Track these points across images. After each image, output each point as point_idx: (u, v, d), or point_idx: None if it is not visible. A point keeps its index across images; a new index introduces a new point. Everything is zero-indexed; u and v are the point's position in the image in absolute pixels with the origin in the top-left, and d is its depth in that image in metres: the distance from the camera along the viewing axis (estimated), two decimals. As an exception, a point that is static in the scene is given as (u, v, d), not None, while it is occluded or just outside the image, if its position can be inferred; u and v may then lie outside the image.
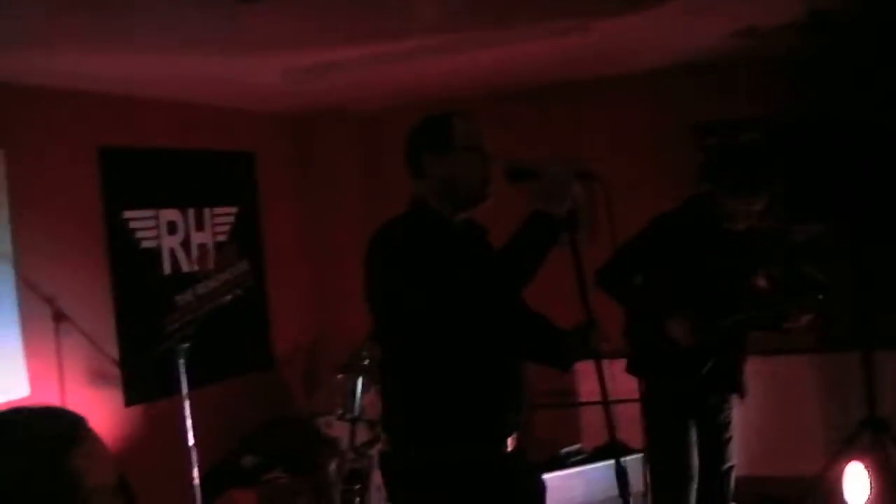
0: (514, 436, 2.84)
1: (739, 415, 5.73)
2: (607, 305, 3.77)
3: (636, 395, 4.17)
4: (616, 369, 3.58)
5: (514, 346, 2.87)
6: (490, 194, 2.81)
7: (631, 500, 2.66)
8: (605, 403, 2.68)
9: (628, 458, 4.53)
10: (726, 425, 4.14)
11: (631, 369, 4.12)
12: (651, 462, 4.23)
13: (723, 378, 4.03)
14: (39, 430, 1.57)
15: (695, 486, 4.04)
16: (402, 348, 2.78)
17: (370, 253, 2.73)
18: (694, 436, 4.03)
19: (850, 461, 5.02)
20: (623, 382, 4.11)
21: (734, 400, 4.16)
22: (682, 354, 3.89)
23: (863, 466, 4.95)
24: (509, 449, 2.81)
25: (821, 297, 3.88)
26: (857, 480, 4.96)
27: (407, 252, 2.67)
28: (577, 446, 4.93)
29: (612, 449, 2.70)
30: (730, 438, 4.15)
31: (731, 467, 4.16)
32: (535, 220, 2.64)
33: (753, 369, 5.72)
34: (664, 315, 3.90)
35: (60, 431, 1.57)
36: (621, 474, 2.64)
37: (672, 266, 3.97)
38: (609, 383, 3.30)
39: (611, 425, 2.69)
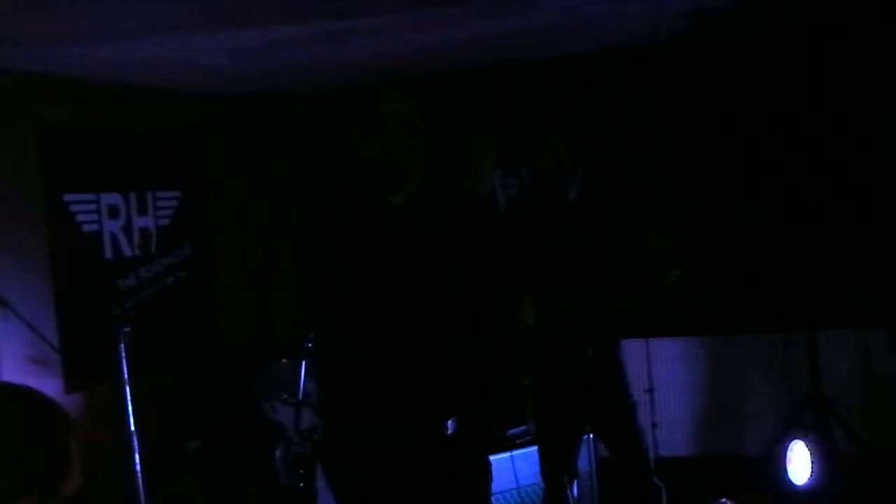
0: (453, 420, 2.80)
1: (685, 395, 5.82)
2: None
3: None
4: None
5: (448, 328, 2.82)
6: (420, 170, 2.73)
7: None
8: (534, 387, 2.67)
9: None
10: (622, 395, 4.13)
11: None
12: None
13: (598, 355, 4.03)
14: (46, 408, 1.69)
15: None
16: (333, 330, 2.73)
17: (302, 233, 2.70)
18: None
19: (793, 440, 5.07)
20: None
21: (626, 376, 4.16)
22: (562, 337, 3.90)
23: (805, 445, 5.00)
24: (448, 432, 2.78)
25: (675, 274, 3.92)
26: (799, 459, 5.01)
27: (337, 233, 2.63)
28: (524, 427, 4.92)
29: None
30: (631, 407, 4.14)
31: (641, 439, 4.15)
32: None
33: (699, 348, 5.84)
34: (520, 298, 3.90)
35: (61, 416, 1.69)
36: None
37: (524, 247, 3.98)
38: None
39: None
